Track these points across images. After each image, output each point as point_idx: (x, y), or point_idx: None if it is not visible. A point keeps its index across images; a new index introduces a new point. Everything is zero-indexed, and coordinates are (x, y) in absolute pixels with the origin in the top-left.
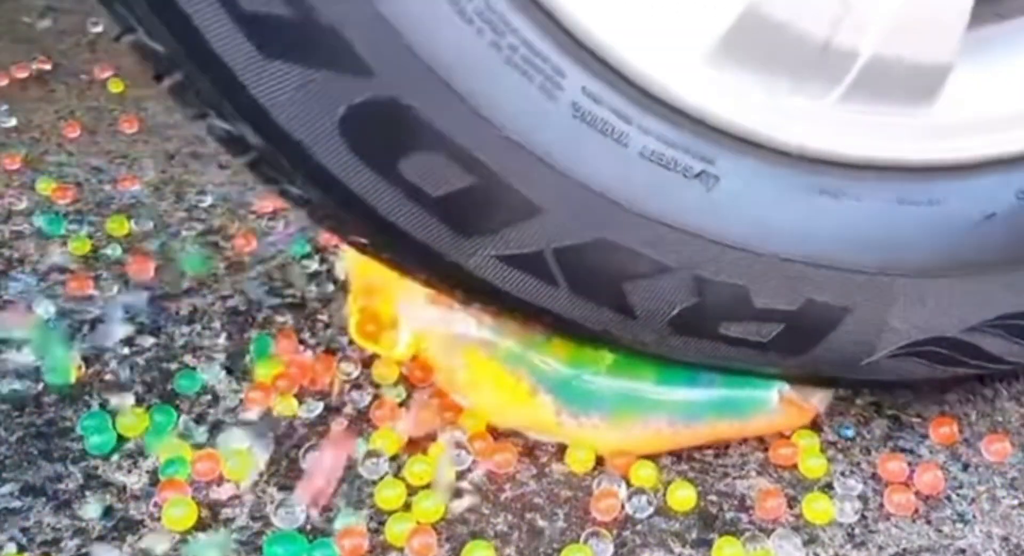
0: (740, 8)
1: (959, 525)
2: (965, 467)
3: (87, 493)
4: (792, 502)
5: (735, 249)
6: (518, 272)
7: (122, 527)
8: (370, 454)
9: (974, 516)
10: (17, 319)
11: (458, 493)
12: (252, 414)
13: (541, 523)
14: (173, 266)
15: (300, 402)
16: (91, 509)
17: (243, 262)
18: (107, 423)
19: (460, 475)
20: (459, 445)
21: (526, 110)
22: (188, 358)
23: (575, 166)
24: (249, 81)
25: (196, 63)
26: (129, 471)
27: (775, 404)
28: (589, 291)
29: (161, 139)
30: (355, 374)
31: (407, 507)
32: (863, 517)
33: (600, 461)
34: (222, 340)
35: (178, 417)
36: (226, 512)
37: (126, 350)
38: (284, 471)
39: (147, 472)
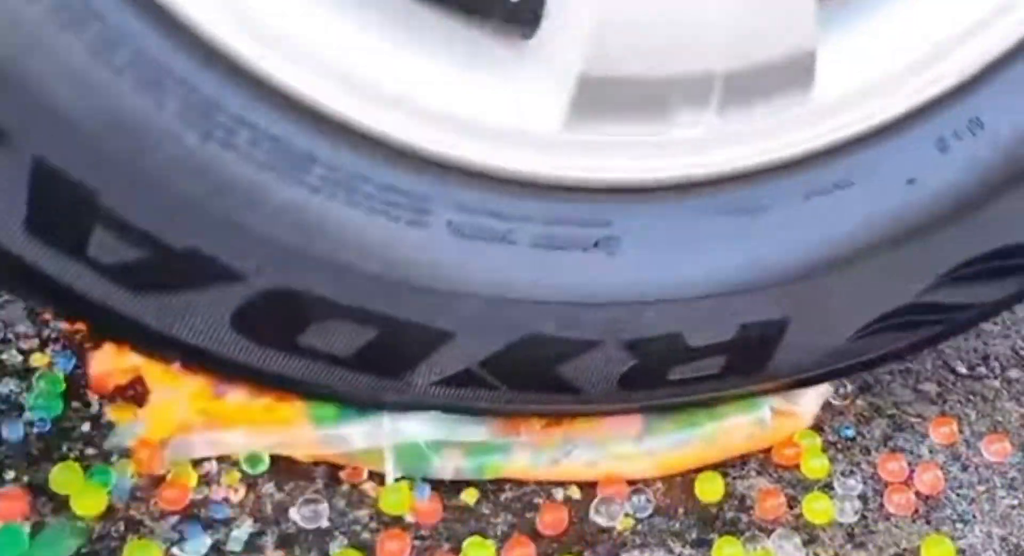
0: (577, 70)
1: (959, 525)
2: (965, 467)
3: None
4: (792, 502)
5: (651, 304)
6: (458, 389)
7: None
8: None
9: (974, 516)
10: None
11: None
12: None
13: (541, 523)
14: None
15: None
16: None
17: None
18: None
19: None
20: None
21: (401, 249)
22: None
23: (468, 281)
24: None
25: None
26: None
27: (768, 420)
28: (529, 385)
29: None
30: None
31: None
32: (863, 517)
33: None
34: None
35: None
36: None
37: None
38: None
39: None
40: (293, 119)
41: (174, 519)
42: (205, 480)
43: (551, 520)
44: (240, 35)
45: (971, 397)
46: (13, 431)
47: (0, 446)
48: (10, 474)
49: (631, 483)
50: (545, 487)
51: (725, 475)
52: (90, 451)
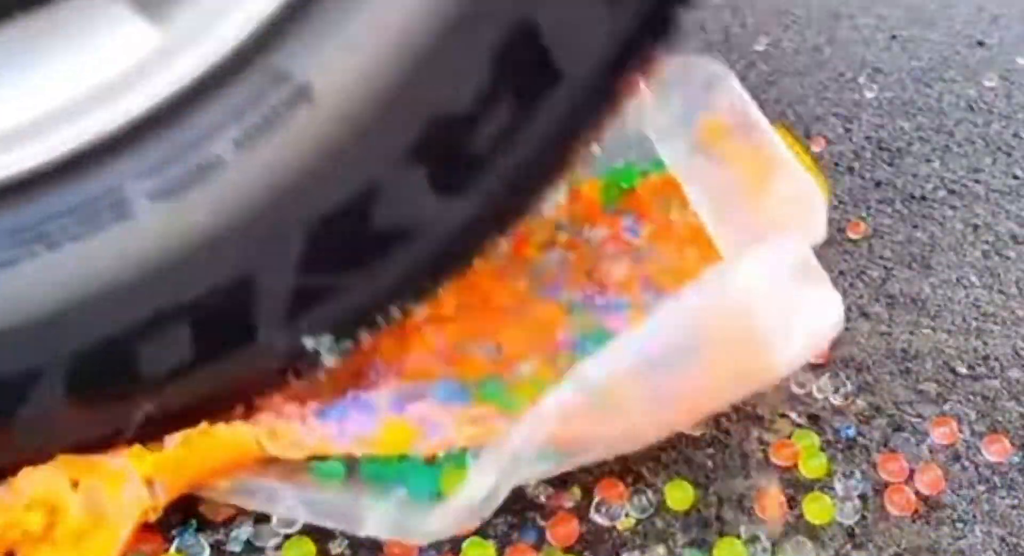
0: None
1: (959, 525)
2: (965, 467)
3: None
4: (792, 502)
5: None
6: None
7: None
8: None
9: (974, 516)
10: None
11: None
12: None
13: (541, 523)
14: None
15: None
16: None
17: None
18: None
19: None
20: None
21: None
22: None
23: None
24: None
25: None
26: None
27: None
28: None
29: None
30: None
31: None
32: (863, 517)
33: (601, 463)
34: None
35: None
36: None
37: None
38: None
39: None
40: None
41: (174, 519)
42: None
43: (551, 521)
44: None
45: (971, 397)
46: None
47: None
48: None
49: (631, 483)
50: (545, 487)
51: (725, 475)
52: None
